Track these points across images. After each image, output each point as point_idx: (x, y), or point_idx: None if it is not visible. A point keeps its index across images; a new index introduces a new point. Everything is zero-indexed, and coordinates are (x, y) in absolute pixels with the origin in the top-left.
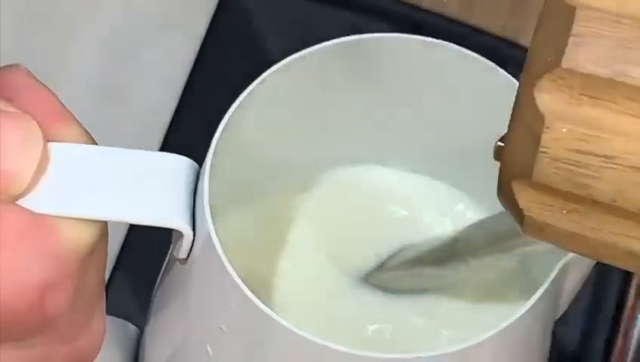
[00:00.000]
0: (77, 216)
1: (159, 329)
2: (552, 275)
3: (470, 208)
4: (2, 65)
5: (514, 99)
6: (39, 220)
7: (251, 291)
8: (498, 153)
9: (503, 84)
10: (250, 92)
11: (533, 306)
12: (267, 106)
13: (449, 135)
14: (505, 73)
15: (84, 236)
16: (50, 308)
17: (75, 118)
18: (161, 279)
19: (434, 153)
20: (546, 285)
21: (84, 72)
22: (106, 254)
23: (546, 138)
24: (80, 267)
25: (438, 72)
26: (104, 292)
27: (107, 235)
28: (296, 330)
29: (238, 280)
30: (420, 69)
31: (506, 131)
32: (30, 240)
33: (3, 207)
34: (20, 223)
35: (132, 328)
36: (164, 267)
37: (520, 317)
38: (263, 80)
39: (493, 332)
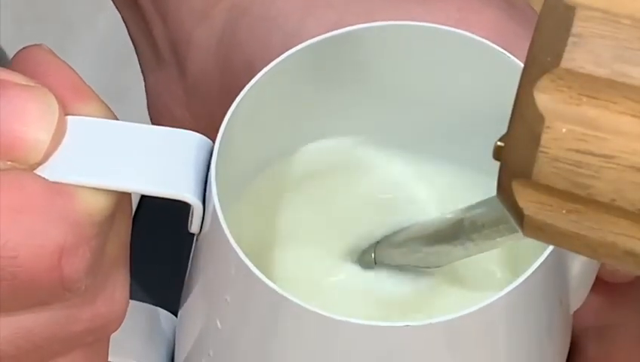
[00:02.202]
0: (91, 185)
1: (185, 312)
2: (549, 249)
3: (459, 182)
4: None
5: (501, 69)
6: (56, 187)
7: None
8: (498, 153)
9: (490, 55)
10: (256, 82)
11: (526, 281)
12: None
13: (438, 111)
14: (487, 44)
15: (99, 204)
16: (67, 271)
17: (95, 94)
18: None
19: (423, 130)
20: (538, 263)
21: (84, 72)
22: (129, 228)
23: (545, 138)
24: (97, 234)
25: (423, 52)
26: (127, 265)
27: (130, 210)
28: (299, 302)
29: (238, 250)
30: (407, 51)
31: (505, 130)
32: (47, 206)
33: (22, 175)
34: (37, 190)
35: (169, 315)
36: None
37: (511, 290)
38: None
39: (479, 306)
